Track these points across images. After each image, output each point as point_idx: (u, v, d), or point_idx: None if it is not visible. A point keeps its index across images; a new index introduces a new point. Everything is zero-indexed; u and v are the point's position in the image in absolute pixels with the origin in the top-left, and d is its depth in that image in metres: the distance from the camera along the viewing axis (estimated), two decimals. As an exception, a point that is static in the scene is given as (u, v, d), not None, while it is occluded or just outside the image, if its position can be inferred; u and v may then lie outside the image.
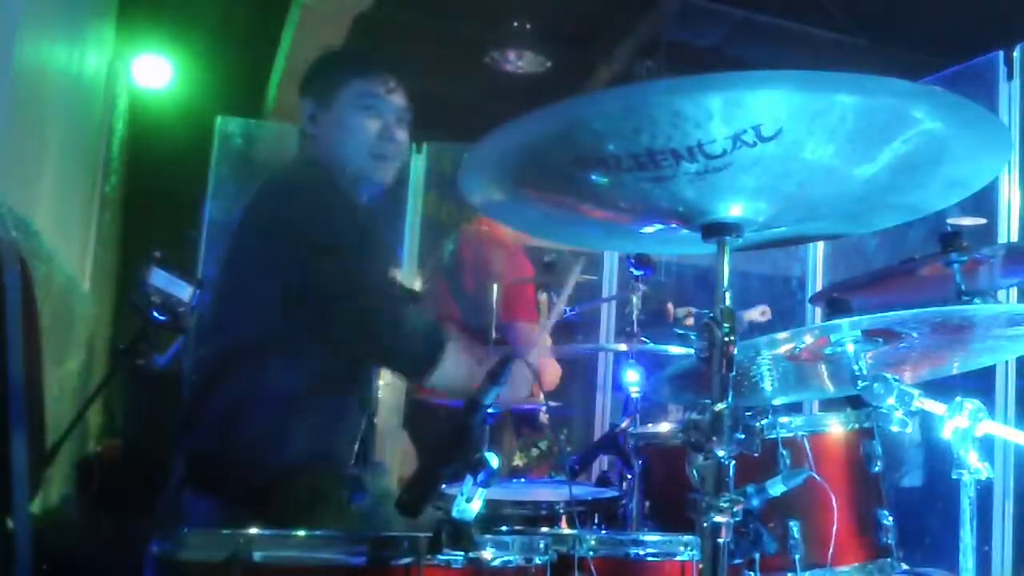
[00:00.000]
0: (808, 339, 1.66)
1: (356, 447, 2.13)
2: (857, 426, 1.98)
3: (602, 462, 3.29)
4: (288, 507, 1.88)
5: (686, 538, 1.66)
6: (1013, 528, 3.57)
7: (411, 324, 1.98)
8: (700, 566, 1.27)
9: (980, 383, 3.50)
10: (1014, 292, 3.49)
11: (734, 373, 1.24)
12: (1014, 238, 3.70)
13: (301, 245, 1.93)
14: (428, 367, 1.98)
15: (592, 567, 1.57)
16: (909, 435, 4.83)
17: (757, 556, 1.63)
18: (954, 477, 1.56)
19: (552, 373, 3.47)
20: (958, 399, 1.55)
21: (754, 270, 6.38)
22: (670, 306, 4.84)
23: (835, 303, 2.54)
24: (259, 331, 1.98)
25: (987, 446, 1.57)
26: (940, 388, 1.70)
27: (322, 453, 2.01)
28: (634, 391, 2.67)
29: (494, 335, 2.90)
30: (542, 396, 3.04)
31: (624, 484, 2.34)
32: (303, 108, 2.16)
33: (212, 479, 1.95)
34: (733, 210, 1.26)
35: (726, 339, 1.24)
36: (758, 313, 5.00)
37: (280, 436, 1.95)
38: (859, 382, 1.60)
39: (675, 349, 2.78)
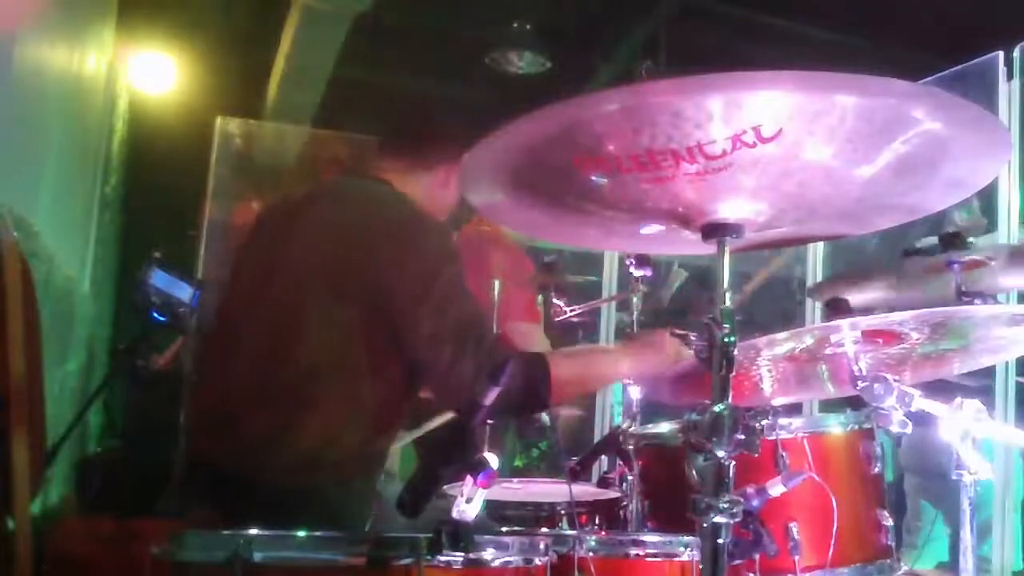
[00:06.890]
0: (808, 339, 1.66)
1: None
2: (857, 427, 1.98)
3: (602, 463, 3.29)
4: (319, 519, 1.86)
5: (686, 538, 1.66)
6: (1013, 528, 3.56)
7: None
8: (700, 566, 1.27)
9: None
10: (1014, 292, 3.48)
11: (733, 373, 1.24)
12: (1014, 238, 3.69)
13: (427, 270, 1.92)
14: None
15: (592, 567, 1.57)
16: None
17: (757, 557, 1.64)
18: (954, 477, 1.56)
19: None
20: (958, 399, 1.55)
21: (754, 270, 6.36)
22: None
23: (835, 303, 2.54)
24: (340, 352, 1.91)
25: (987, 446, 1.57)
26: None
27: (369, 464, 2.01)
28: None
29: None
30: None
31: (624, 485, 2.34)
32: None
33: (239, 502, 1.86)
34: (733, 210, 1.26)
35: (726, 339, 1.24)
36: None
37: (329, 456, 1.90)
38: (859, 382, 1.60)
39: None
